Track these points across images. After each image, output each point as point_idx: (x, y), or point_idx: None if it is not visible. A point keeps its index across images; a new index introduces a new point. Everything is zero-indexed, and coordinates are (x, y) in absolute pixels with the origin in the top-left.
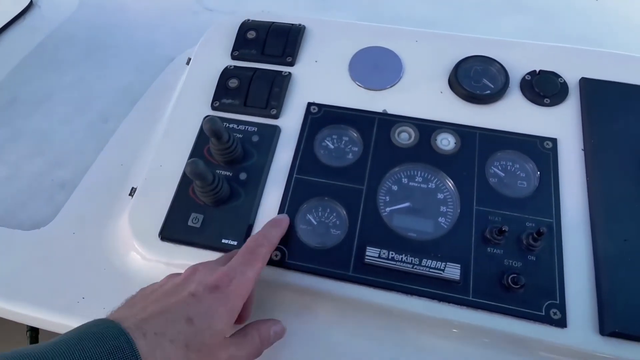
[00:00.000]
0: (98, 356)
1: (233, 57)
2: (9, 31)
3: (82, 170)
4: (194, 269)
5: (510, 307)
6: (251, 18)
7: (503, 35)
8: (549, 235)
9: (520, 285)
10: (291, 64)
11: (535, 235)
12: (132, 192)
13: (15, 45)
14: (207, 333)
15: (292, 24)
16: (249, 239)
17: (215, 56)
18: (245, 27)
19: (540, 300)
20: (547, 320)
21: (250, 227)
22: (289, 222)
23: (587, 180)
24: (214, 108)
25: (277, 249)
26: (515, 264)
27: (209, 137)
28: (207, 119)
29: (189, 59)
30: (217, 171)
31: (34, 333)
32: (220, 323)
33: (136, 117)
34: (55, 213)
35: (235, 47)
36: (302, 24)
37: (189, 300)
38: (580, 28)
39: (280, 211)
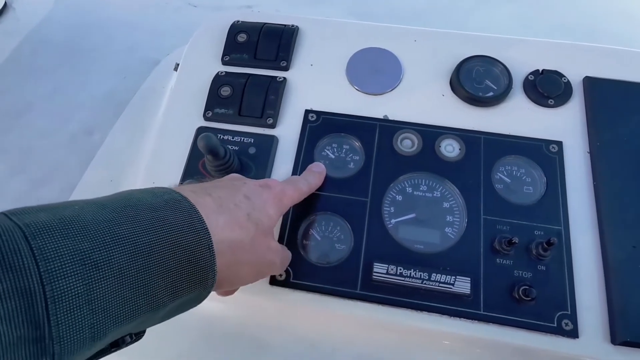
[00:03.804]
0: (156, 205)
1: (224, 63)
2: None
3: (69, 188)
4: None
5: (522, 319)
6: (240, 19)
7: (497, 24)
8: (559, 244)
9: (531, 297)
10: (286, 69)
11: (545, 244)
12: None
13: None
14: (262, 212)
15: (285, 25)
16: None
17: (204, 62)
18: (235, 29)
19: (551, 311)
20: (559, 331)
21: None
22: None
23: (593, 185)
24: (206, 119)
25: None
26: (525, 274)
27: (204, 154)
28: (202, 135)
29: (177, 65)
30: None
31: None
32: (271, 209)
33: (123, 128)
34: None
35: (226, 52)
36: (295, 24)
37: (243, 186)
38: (574, 16)
39: (282, 228)
